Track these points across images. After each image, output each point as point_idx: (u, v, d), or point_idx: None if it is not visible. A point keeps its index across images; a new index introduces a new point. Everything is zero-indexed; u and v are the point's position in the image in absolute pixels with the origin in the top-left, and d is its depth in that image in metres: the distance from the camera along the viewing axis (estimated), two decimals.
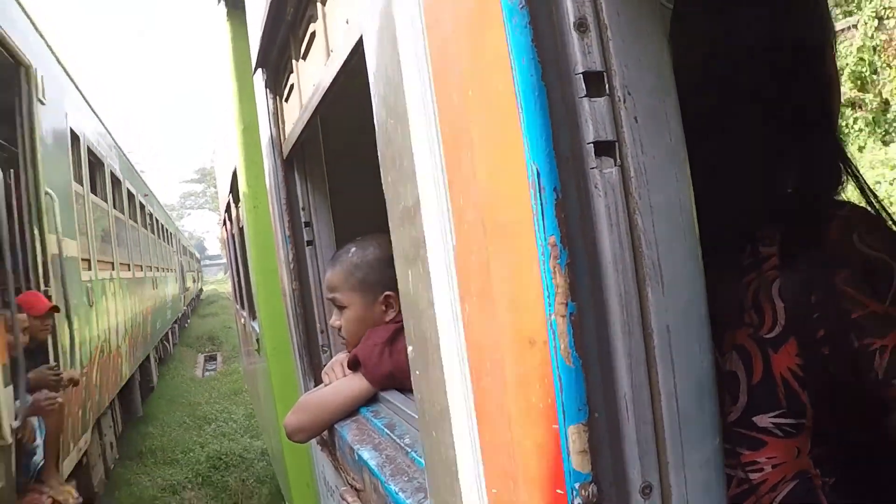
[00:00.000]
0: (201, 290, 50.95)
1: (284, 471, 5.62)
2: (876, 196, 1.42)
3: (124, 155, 16.30)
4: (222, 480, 11.65)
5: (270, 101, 3.46)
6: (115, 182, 14.24)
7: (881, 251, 1.25)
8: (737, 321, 1.36)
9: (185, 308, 32.96)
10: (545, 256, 0.98)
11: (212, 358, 26.70)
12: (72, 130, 9.75)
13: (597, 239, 1.01)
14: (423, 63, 1.25)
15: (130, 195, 16.62)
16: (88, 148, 11.07)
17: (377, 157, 1.55)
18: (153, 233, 21.69)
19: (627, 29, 1.03)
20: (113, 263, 12.67)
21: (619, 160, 1.01)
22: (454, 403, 1.31)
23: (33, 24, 8.40)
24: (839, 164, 1.44)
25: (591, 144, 1.00)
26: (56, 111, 8.87)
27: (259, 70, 3.55)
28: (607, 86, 1.01)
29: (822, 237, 1.28)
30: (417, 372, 1.55)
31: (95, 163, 12.07)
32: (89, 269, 10.20)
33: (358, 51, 1.91)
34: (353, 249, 2.84)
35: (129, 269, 14.89)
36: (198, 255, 62.72)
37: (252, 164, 4.91)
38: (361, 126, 3.10)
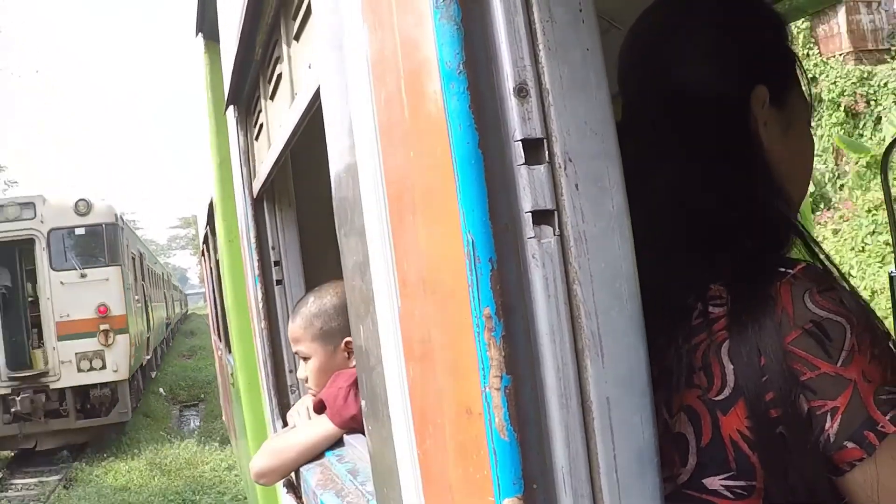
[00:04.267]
0: (185, 312, 64.13)
1: None
2: (825, 252, 1.42)
3: (148, 251, 30.53)
4: None
5: (241, 139, 3.45)
6: (143, 264, 25.31)
7: (832, 311, 1.24)
8: (686, 382, 1.34)
9: (174, 321, 45.04)
10: (480, 328, 0.96)
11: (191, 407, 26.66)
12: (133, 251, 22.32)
13: (534, 309, 0.98)
14: (371, 119, 1.24)
15: (148, 268, 27.64)
16: (172, 283, 25.57)
17: None
18: (155, 281, 31.65)
19: (570, 93, 1.02)
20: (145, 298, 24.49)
21: (557, 229, 0.99)
22: (402, 462, 1.30)
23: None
24: (788, 223, 1.43)
25: (529, 213, 0.98)
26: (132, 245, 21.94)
27: (231, 107, 3.54)
28: (547, 153, 0.99)
29: (773, 297, 1.27)
30: (370, 427, 1.54)
31: (137, 257, 23.38)
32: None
33: (318, 100, 1.91)
34: (311, 299, 2.83)
35: (147, 300, 25.39)
36: (181, 288, 72.65)
37: (227, 198, 4.89)
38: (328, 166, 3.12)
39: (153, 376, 26.94)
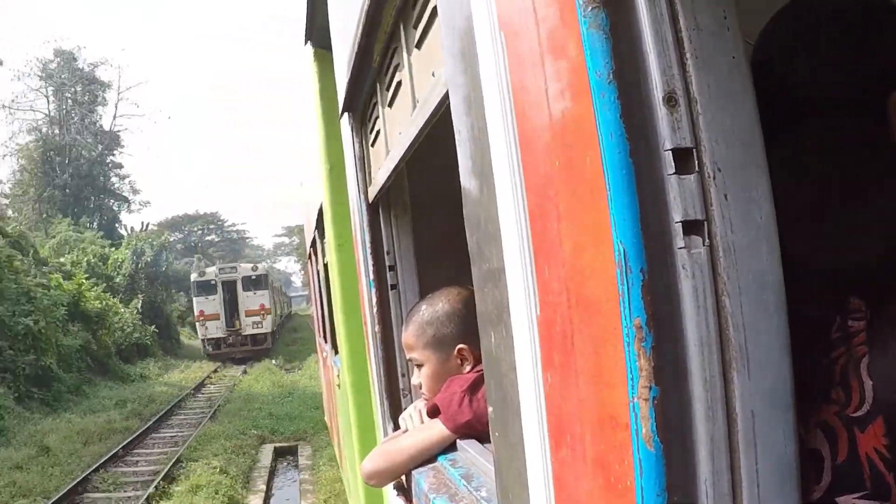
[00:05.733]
0: (290, 312, 79.38)
1: None
2: None
3: (274, 277, 60.96)
4: None
5: (357, 146, 3.49)
6: (274, 286, 53.61)
7: None
8: (823, 397, 1.31)
9: (283, 316, 66.66)
10: (630, 338, 0.96)
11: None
12: (272, 281, 52.81)
13: (683, 320, 0.98)
14: (510, 128, 1.24)
15: (276, 287, 56.06)
16: (273, 284, 52.89)
17: (459, 205, 1.55)
18: (277, 292, 60.00)
19: (718, 102, 1.00)
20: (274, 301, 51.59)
21: (707, 239, 0.98)
22: (532, 471, 1.29)
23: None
24: None
25: (680, 223, 0.97)
26: (272, 279, 54.34)
27: (346, 114, 3.59)
28: (696, 162, 0.99)
29: None
30: (496, 433, 1.53)
31: (272, 284, 52.89)
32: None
33: (443, 106, 1.91)
34: (424, 307, 2.85)
35: (275, 302, 53.12)
36: (286, 293, 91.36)
37: (337, 203, 4.95)
38: (450, 173, 3.13)
39: (276, 340, 52.57)
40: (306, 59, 5.53)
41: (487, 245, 1.40)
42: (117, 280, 47.59)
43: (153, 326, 44.04)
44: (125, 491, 15.56)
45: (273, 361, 41.57)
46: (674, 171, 0.98)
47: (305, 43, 5.41)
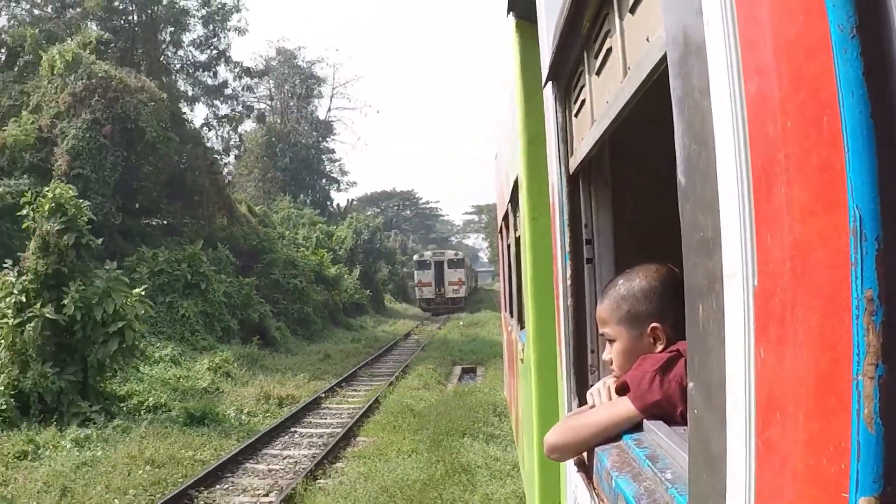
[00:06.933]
0: (476, 286, 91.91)
1: (534, 487, 5.60)
2: None
3: (466, 258, 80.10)
4: None
5: (560, 116, 3.45)
6: (468, 265, 78.13)
7: None
8: None
9: (471, 288, 78.81)
10: (859, 311, 0.89)
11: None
12: (467, 262, 76.98)
13: None
14: (736, 89, 1.19)
15: (468, 265, 77.93)
16: (467, 265, 75.06)
17: (667, 180, 1.50)
18: (470, 268, 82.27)
19: None
20: (466, 278, 73.32)
21: None
22: (732, 450, 1.24)
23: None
24: None
25: None
26: (467, 261, 79.33)
27: (550, 83, 3.55)
28: None
29: None
30: (696, 410, 1.48)
31: (467, 263, 76.91)
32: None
33: (658, 70, 1.86)
34: (621, 282, 2.81)
35: (468, 276, 76.04)
36: (474, 268, 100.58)
37: (535, 175, 4.93)
38: (652, 147, 3.06)
39: (467, 303, 69.93)
40: (507, 31, 5.53)
41: (702, 213, 1.34)
42: (340, 253, 62.45)
43: (368, 291, 61.13)
44: (380, 379, 27.23)
45: (461, 322, 52.05)
46: None
47: (507, 14, 5.41)
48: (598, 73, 2.75)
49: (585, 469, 2.93)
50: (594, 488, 2.73)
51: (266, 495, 13.29)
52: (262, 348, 31.76)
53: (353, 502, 12.19)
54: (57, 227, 17.91)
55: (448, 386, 25.64)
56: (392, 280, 79.28)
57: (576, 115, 3.26)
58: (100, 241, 19.78)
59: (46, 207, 18.02)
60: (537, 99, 4.21)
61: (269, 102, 76.98)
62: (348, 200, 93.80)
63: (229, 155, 63.96)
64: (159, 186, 34.83)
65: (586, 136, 2.94)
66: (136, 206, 34.53)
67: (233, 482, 14.21)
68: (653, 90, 2.01)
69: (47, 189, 18.50)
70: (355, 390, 25.30)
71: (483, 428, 16.98)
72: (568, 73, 3.34)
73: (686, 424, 1.64)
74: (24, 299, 17.67)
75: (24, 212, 18.35)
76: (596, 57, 2.74)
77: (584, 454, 2.91)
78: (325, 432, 18.43)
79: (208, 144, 51.90)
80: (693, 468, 1.54)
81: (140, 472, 13.72)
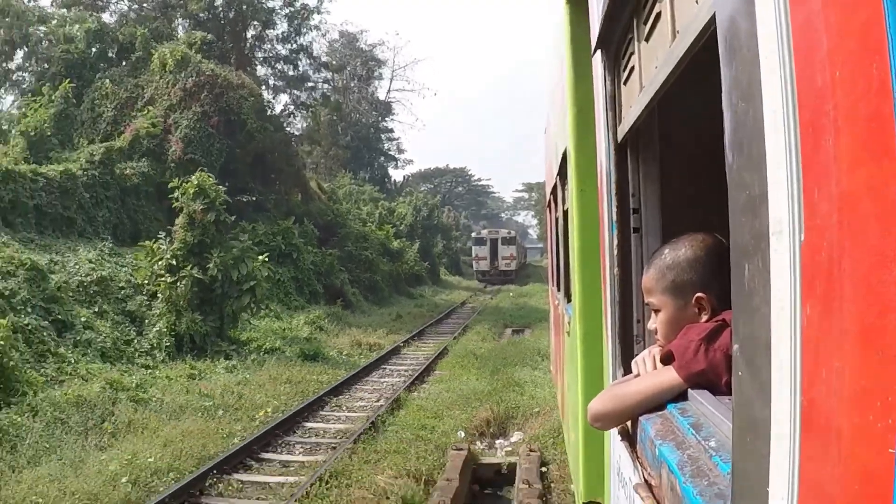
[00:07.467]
0: (525, 262, 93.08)
1: (577, 455, 5.61)
2: None
3: (521, 239, 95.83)
4: None
5: (609, 84, 3.42)
6: (519, 243, 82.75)
7: None
8: None
9: (521, 263, 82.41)
10: None
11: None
12: (519, 241, 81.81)
13: None
14: (784, 41, 1.17)
15: (519, 243, 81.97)
16: (518, 242, 80.00)
17: (714, 147, 1.48)
18: (521, 245, 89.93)
19: None
20: (517, 254, 77.33)
21: None
22: (777, 410, 1.23)
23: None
24: None
25: None
26: (519, 240, 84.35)
27: (598, 52, 3.52)
28: None
29: None
30: (740, 373, 1.47)
31: (518, 241, 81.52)
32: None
33: (707, 32, 1.84)
34: (667, 251, 2.79)
35: (518, 251, 79.83)
36: (523, 245, 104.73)
37: (583, 146, 4.91)
38: (700, 113, 3.02)
39: (517, 276, 73.61)
40: (557, 3, 5.49)
41: (749, 170, 1.32)
42: (400, 228, 66.46)
43: (426, 263, 65.87)
44: (445, 336, 32.33)
45: (511, 294, 57.10)
46: None
47: None
48: (647, 39, 2.72)
49: (629, 438, 2.93)
50: (637, 456, 2.73)
51: (377, 401, 18.80)
52: (343, 309, 37.03)
53: (441, 401, 18.26)
54: (201, 207, 23.11)
55: (501, 340, 31.31)
56: (446, 254, 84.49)
57: (624, 83, 3.24)
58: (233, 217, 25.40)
59: (191, 191, 23.20)
60: (586, 68, 4.18)
61: (331, 83, 79.87)
62: (404, 177, 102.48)
63: (303, 141, 67.64)
64: (247, 167, 38.70)
65: (635, 102, 2.92)
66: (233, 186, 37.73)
67: (351, 395, 19.97)
68: (701, 53, 1.99)
69: (192, 177, 23.78)
70: (425, 343, 30.94)
71: (529, 362, 22.96)
72: (617, 41, 3.32)
73: (731, 394, 1.62)
74: (174, 262, 22.71)
75: (175, 194, 23.37)
76: (645, 23, 2.72)
77: (628, 423, 2.91)
78: (410, 367, 24.19)
79: (287, 130, 56.81)
80: (736, 430, 1.53)
81: (282, 387, 19.36)
